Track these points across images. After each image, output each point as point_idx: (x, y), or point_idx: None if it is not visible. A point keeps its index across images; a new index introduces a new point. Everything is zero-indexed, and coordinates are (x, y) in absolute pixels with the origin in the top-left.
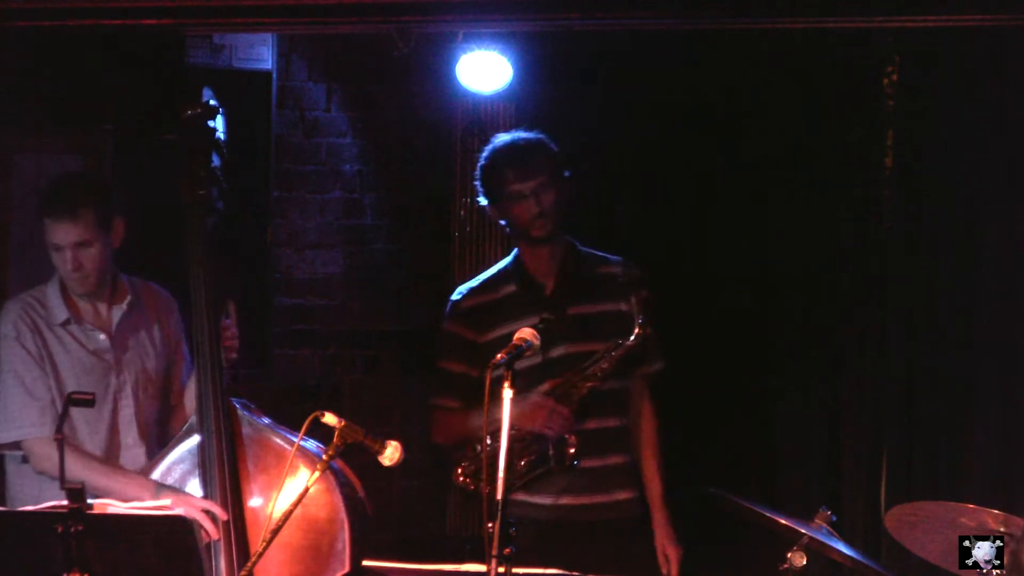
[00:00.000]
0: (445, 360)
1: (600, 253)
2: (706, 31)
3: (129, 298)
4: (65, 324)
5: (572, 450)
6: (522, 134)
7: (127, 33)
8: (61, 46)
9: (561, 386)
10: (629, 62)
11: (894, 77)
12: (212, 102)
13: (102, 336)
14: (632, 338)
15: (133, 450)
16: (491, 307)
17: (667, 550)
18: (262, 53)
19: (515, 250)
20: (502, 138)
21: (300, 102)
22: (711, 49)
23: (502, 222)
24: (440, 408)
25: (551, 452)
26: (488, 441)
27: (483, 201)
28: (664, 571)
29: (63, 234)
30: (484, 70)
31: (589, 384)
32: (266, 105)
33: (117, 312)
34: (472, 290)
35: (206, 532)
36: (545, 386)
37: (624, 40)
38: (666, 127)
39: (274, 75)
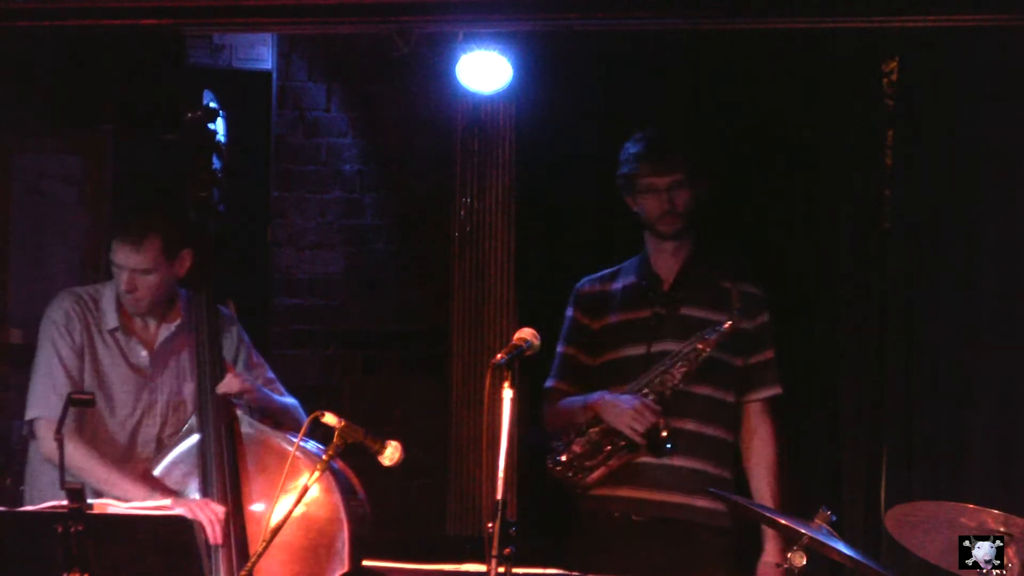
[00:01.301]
0: (564, 344)
1: (729, 268)
2: (706, 31)
3: (180, 320)
4: (113, 331)
5: (665, 433)
6: (665, 130)
7: (127, 33)
8: (61, 46)
9: (658, 377)
10: (629, 62)
11: (894, 77)
12: (213, 104)
13: (144, 352)
14: (727, 324)
15: (144, 467)
16: (609, 295)
17: None
18: (262, 53)
19: (644, 249)
20: (644, 132)
21: (300, 102)
22: (711, 49)
23: (635, 211)
24: (554, 391)
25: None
26: (572, 435)
27: (620, 191)
28: None
29: (124, 257)
30: (484, 70)
31: (683, 369)
32: (266, 105)
33: (164, 331)
34: (595, 279)
35: (209, 535)
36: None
37: (624, 40)
38: (665, 127)
39: (274, 75)
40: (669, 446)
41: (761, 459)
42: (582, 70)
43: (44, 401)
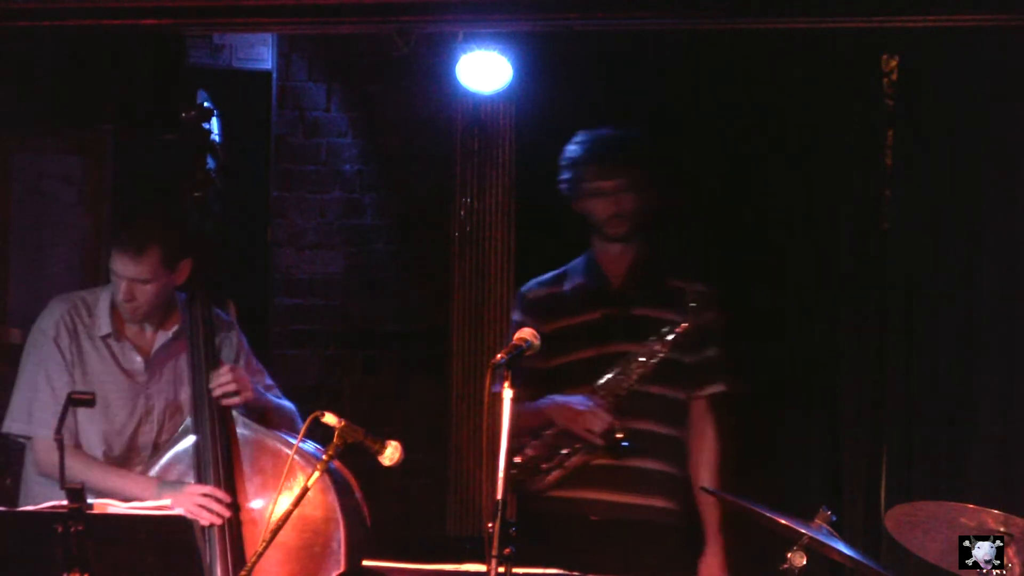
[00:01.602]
0: None
1: (677, 267)
2: (706, 31)
3: (177, 327)
4: (106, 338)
5: (619, 435)
6: (613, 131)
7: (127, 33)
8: (61, 46)
9: (613, 378)
10: (629, 62)
11: (894, 77)
12: (207, 104)
13: (139, 358)
14: (682, 325)
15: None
16: (557, 298)
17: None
18: (262, 53)
19: (589, 248)
20: (590, 132)
21: (300, 102)
22: (711, 49)
23: (580, 214)
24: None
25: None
26: (527, 438)
27: (564, 193)
28: None
29: (122, 267)
30: (484, 70)
31: (639, 370)
32: (266, 105)
33: (161, 337)
34: (541, 283)
35: (211, 516)
36: (601, 381)
37: (624, 40)
38: (665, 127)
39: (274, 75)
40: (626, 445)
41: (703, 457)
42: (582, 70)
43: (43, 419)
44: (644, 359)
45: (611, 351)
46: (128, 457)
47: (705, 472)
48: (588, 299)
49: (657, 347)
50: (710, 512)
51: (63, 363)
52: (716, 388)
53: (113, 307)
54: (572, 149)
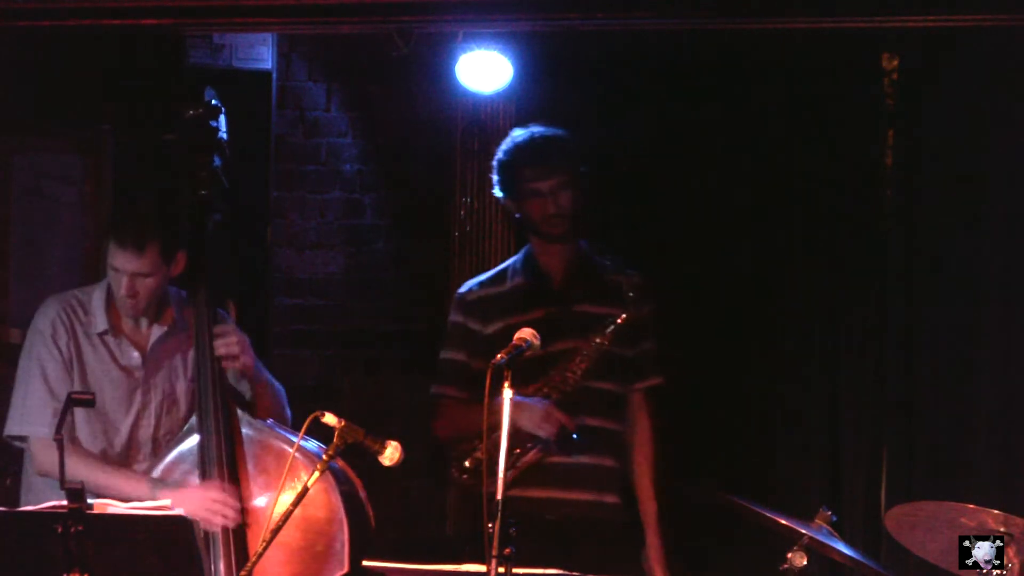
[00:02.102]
0: (449, 350)
1: (611, 262)
2: (706, 31)
3: (173, 320)
4: (103, 334)
5: (573, 433)
6: (544, 130)
7: (127, 33)
8: (61, 46)
9: (558, 373)
10: (629, 62)
11: (894, 77)
12: (214, 102)
13: (135, 353)
14: (622, 316)
15: (143, 468)
16: (497, 299)
17: (656, 573)
18: (262, 53)
19: (527, 246)
20: (522, 132)
21: (300, 102)
22: (711, 49)
23: (516, 215)
24: (443, 397)
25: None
26: (475, 441)
27: (498, 193)
28: None
29: (124, 262)
30: (484, 70)
31: (583, 365)
32: (266, 105)
33: (157, 331)
34: (480, 283)
35: (222, 519)
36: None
37: (624, 40)
38: (666, 127)
39: (274, 75)
40: (575, 437)
41: (642, 450)
42: (582, 70)
43: (41, 418)
44: (588, 353)
45: (555, 349)
46: (127, 453)
47: (645, 465)
48: (530, 298)
49: (599, 340)
50: (649, 505)
51: (61, 361)
52: (653, 381)
53: (109, 303)
54: (505, 151)
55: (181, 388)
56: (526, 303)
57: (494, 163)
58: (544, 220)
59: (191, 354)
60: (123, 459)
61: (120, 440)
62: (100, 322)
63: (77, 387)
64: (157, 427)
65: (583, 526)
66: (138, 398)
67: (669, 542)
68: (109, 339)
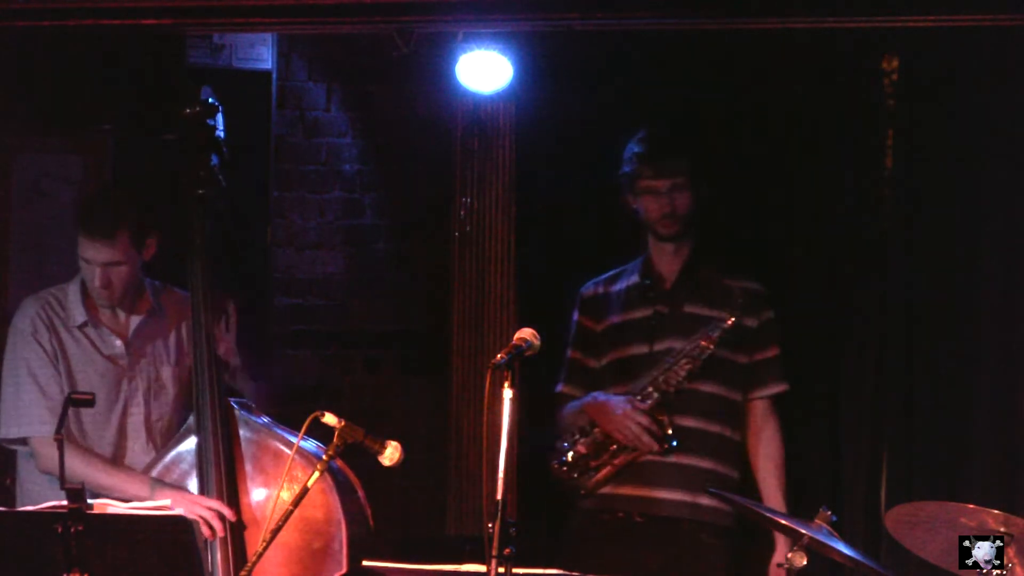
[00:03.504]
0: (570, 347)
1: (730, 266)
2: (706, 31)
3: (150, 306)
4: (83, 326)
5: (669, 431)
6: (668, 131)
7: (127, 33)
8: (61, 46)
9: (662, 375)
10: (629, 62)
11: (894, 77)
12: (211, 100)
13: (118, 342)
14: (728, 321)
15: (140, 456)
16: (611, 297)
17: None
18: (262, 53)
19: (646, 250)
20: (648, 130)
21: (300, 102)
22: (711, 49)
23: (636, 212)
24: (561, 396)
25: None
26: (576, 435)
27: (622, 190)
28: None
29: (95, 252)
30: (484, 70)
31: (687, 366)
32: (266, 105)
33: (135, 319)
34: (597, 282)
35: (210, 530)
36: (646, 381)
37: (624, 40)
38: (669, 127)
39: (274, 75)
40: (675, 443)
41: (769, 457)
42: (582, 70)
43: (36, 417)
44: (691, 355)
45: (662, 348)
46: (119, 442)
47: (773, 473)
48: (640, 297)
49: (703, 343)
50: (776, 508)
51: (46, 358)
52: (777, 388)
53: (84, 296)
54: (631, 147)
55: (167, 373)
56: (636, 301)
57: (622, 157)
58: (658, 220)
59: (172, 338)
60: (116, 448)
61: (111, 429)
62: (78, 315)
63: (64, 382)
64: (147, 413)
65: (673, 526)
66: (125, 386)
67: None
68: (90, 331)
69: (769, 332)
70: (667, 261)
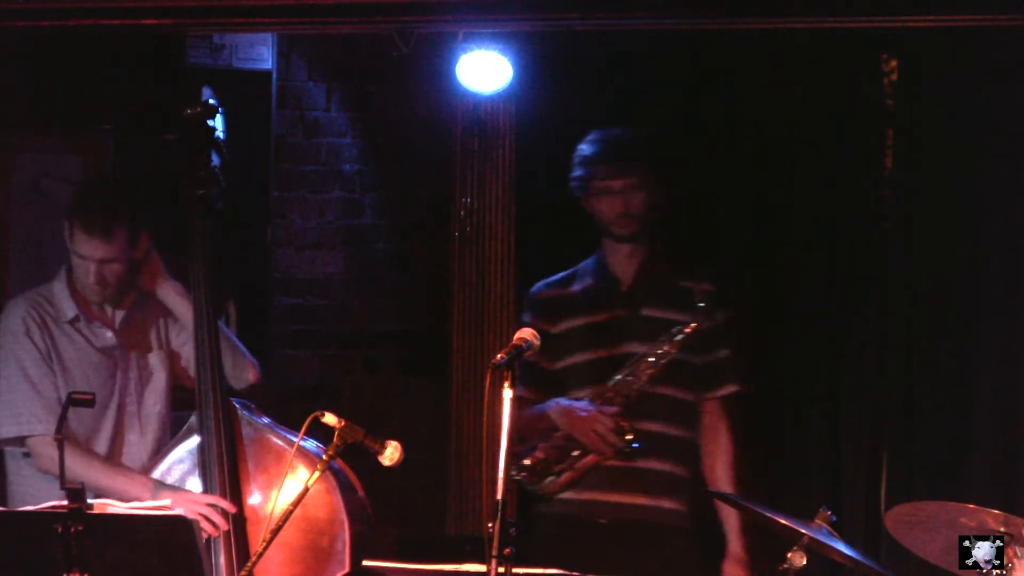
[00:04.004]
0: None
1: (685, 267)
2: (706, 31)
3: (134, 298)
4: (74, 321)
5: (629, 436)
6: (623, 131)
7: (127, 33)
8: (61, 46)
9: (623, 380)
10: (629, 62)
11: (894, 77)
12: (212, 101)
13: (109, 333)
14: (691, 325)
15: (136, 446)
16: (565, 299)
17: None
18: (262, 53)
19: (599, 249)
20: (603, 131)
21: (300, 102)
22: (710, 49)
23: (590, 214)
24: (520, 398)
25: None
26: (537, 440)
27: (575, 192)
28: None
29: (92, 249)
30: (484, 70)
31: (648, 371)
32: (266, 105)
33: (120, 312)
34: (549, 283)
35: (213, 526)
36: (609, 387)
37: (624, 40)
38: (666, 127)
39: (274, 75)
40: (636, 446)
41: (720, 458)
42: (582, 70)
43: (32, 416)
44: (653, 360)
45: (620, 352)
46: (116, 434)
47: (722, 474)
48: (597, 300)
49: (666, 347)
50: (730, 513)
51: (39, 356)
52: (729, 389)
53: (72, 289)
54: (584, 147)
55: (155, 360)
56: (593, 305)
57: (573, 158)
58: (613, 219)
59: (157, 327)
60: (113, 440)
61: (108, 421)
62: (68, 310)
63: (60, 379)
64: (140, 403)
65: (636, 530)
66: (119, 377)
67: (754, 552)
68: (81, 325)
69: (723, 333)
70: (623, 263)
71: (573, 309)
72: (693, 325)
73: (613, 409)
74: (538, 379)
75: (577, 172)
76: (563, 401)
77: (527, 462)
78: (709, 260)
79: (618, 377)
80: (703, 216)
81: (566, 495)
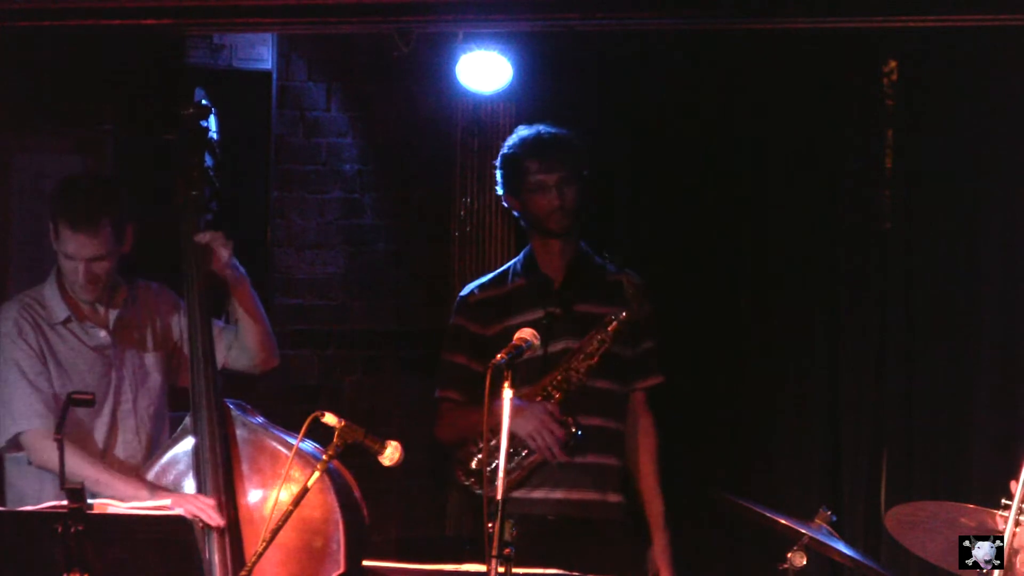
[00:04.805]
0: (450, 353)
1: (610, 263)
2: (706, 31)
3: (126, 297)
4: (66, 322)
5: (574, 428)
6: (549, 128)
7: (127, 33)
8: (61, 46)
9: (561, 372)
10: (629, 62)
11: (894, 77)
12: (204, 102)
13: (102, 333)
14: (624, 314)
15: (131, 444)
16: (498, 301)
17: (667, 558)
18: (262, 53)
19: (527, 247)
20: (528, 129)
21: (300, 102)
22: (711, 49)
23: (516, 213)
24: (445, 401)
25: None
26: (492, 442)
27: (500, 190)
28: None
29: (78, 247)
30: (484, 70)
31: (586, 363)
32: (266, 105)
33: (114, 311)
34: (481, 285)
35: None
36: (545, 381)
37: (624, 40)
38: (666, 128)
39: (274, 75)
40: (580, 434)
41: (646, 450)
42: (582, 70)
43: (30, 411)
44: (592, 350)
45: (556, 349)
46: (111, 433)
47: (650, 466)
48: (530, 299)
49: (601, 337)
50: (655, 505)
51: (34, 355)
52: (654, 380)
53: (62, 291)
54: (511, 146)
55: (150, 360)
56: (526, 304)
57: (499, 158)
58: (548, 215)
59: (150, 327)
60: (108, 438)
61: (104, 420)
62: (60, 311)
63: (55, 379)
64: (135, 402)
65: (586, 526)
66: (113, 376)
67: (675, 542)
68: (73, 326)
69: (649, 324)
70: (553, 261)
71: (506, 310)
72: (625, 314)
73: (555, 407)
74: (466, 382)
75: (506, 172)
76: (514, 400)
77: (472, 465)
78: (630, 254)
79: (556, 372)
80: (745, 216)
81: (516, 494)
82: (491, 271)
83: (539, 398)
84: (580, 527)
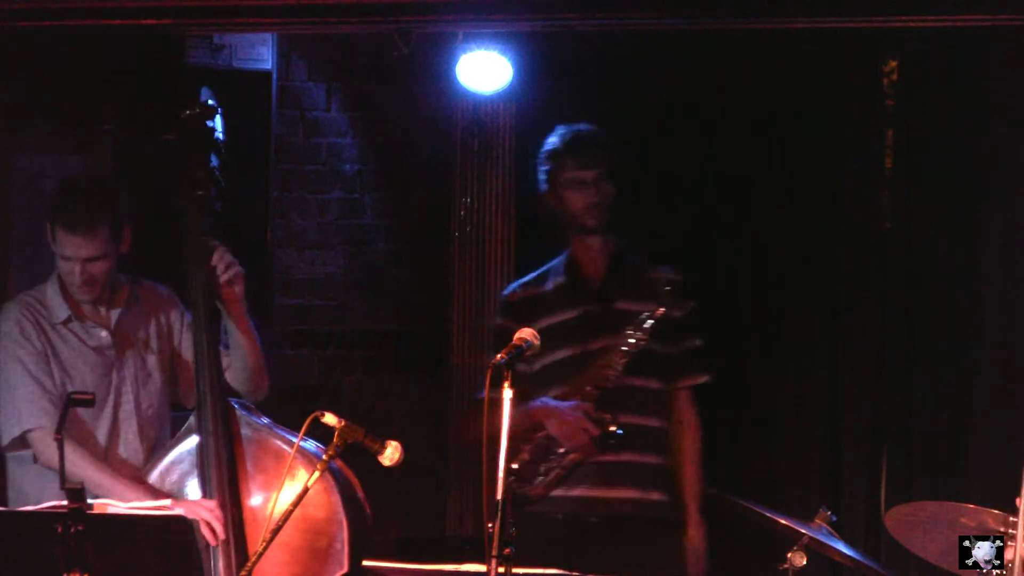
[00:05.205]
0: (494, 354)
1: (646, 261)
2: (706, 31)
3: (127, 297)
4: (67, 322)
5: (612, 427)
6: (586, 126)
7: (127, 33)
8: (61, 46)
9: (598, 370)
10: (629, 62)
11: (894, 77)
12: (211, 102)
13: (104, 333)
14: (659, 310)
15: (132, 444)
16: (538, 299)
17: (700, 549)
18: (262, 53)
19: (567, 249)
20: (566, 128)
21: (300, 102)
22: (711, 49)
23: (557, 210)
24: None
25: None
26: (519, 443)
27: (542, 187)
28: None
29: (75, 248)
30: (484, 70)
31: (623, 360)
32: (266, 105)
33: (115, 311)
34: (522, 284)
35: (211, 533)
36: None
37: (624, 40)
38: (666, 128)
39: (274, 75)
40: (620, 432)
41: (689, 448)
42: (582, 70)
43: (36, 410)
44: (626, 349)
45: (595, 347)
46: (114, 432)
47: (693, 464)
48: (569, 297)
49: (637, 334)
50: (692, 503)
51: (37, 354)
52: (699, 378)
53: (63, 291)
54: (550, 143)
55: (152, 361)
56: (566, 302)
57: (540, 156)
58: (585, 210)
59: (152, 327)
60: (110, 438)
61: (105, 420)
62: (61, 311)
63: (57, 377)
64: (137, 402)
65: (628, 524)
66: (114, 376)
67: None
68: (74, 326)
69: (691, 322)
70: (592, 259)
71: (546, 308)
72: (661, 310)
73: (591, 406)
74: (516, 379)
75: (545, 167)
76: (550, 401)
77: (514, 466)
78: (675, 254)
79: (593, 371)
80: (745, 216)
81: (556, 492)
82: (493, 270)
83: (578, 397)
84: (622, 525)
